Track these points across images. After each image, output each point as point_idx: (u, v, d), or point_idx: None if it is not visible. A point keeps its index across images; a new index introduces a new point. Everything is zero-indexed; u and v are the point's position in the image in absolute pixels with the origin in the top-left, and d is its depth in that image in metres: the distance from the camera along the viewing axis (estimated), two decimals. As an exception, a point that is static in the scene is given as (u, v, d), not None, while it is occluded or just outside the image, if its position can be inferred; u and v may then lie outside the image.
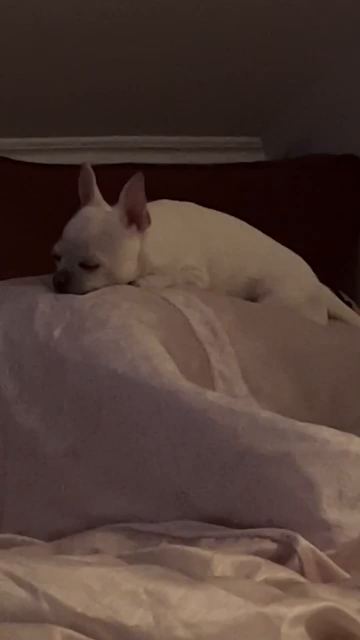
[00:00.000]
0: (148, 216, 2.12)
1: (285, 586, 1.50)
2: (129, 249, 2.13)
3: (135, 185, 2.09)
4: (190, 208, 2.32)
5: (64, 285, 2.07)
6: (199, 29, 2.85)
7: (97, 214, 2.14)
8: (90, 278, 2.09)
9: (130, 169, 2.13)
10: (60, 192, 2.21)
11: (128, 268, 2.13)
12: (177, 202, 2.29)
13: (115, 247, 2.11)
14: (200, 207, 2.33)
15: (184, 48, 2.87)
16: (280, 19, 2.88)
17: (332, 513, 1.66)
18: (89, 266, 2.09)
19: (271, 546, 1.62)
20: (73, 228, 2.13)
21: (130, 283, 2.14)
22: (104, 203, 2.15)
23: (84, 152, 2.74)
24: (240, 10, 2.75)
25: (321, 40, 2.98)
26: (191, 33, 2.84)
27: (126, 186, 2.10)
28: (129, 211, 2.11)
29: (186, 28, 2.82)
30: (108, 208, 2.14)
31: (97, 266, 2.09)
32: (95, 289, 2.07)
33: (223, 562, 1.52)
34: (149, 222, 2.12)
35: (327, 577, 1.60)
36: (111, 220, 2.12)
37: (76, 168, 2.18)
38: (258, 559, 1.57)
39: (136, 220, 2.12)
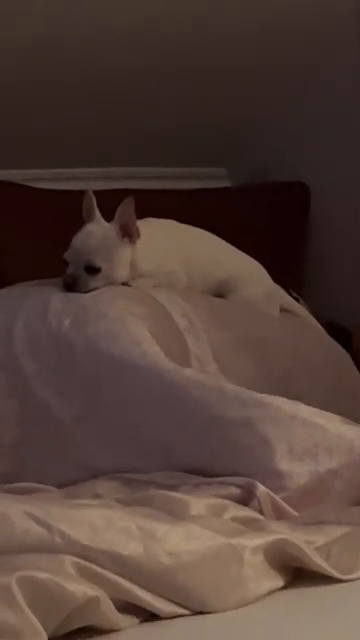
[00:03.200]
0: (138, 231, 2.12)
1: (247, 522, 1.51)
2: (123, 257, 2.13)
3: (127, 206, 2.09)
4: (171, 224, 2.31)
5: (71, 285, 2.06)
6: (172, 87, 2.86)
7: (98, 229, 2.13)
8: (92, 280, 2.08)
9: (123, 194, 2.13)
10: (68, 212, 2.20)
11: (122, 272, 2.13)
12: (161, 220, 2.29)
13: (112, 255, 2.11)
14: (179, 223, 2.32)
15: (161, 101, 2.89)
16: (235, 76, 2.89)
17: (284, 465, 1.67)
18: (92, 270, 2.09)
19: (236, 491, 1.63)
20: (79, 240, 2.13)
21: (124, 284, 2.14)
22: (103, 220, 2.14)
23: (87, 180, 2.73)
24: (202, 64, 2.75)
25: (273, 90, 2.99)
26: (168, 90, 2.85)
27: (120, 207, 2.10)
28: (122, 227, 2.11)
29: (163, 85, 2.84)
30: (106, 224, 2.13)
31: (98, 270, 2.09)
32: (96, 289, 2.07)
33: (198, 504, 1.52)
34: (139, 235, 2.12)
35: (280, 515, 1.60)
36: (108, 234, 2.12)
37: (81, 193, 2.18)
38: (226, 501, 1.58)
39: (128, 234, 2.12)
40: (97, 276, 2.08)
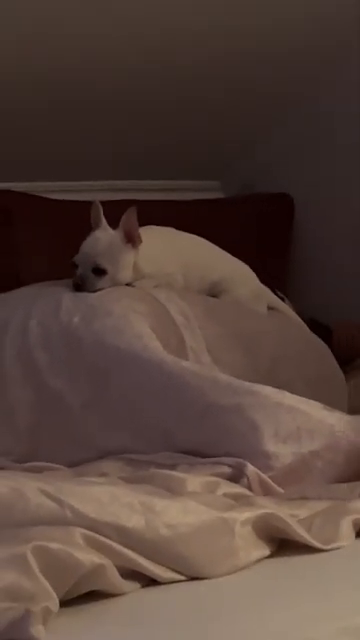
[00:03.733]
0: (140, 237, 2.11)
1: (237, 498, 1.51)
2: (127, 260, 2.12)
3: (130, 215, 2.08)
4: (170, 231, 2.31)
5: (80, 286, 2.06)
6: (171, 110, 2.87)
7: (104, 235, 2.12)
8: (99, 281, 2.08)
9: (127, 204, 2.13)
10: (78, 220, 2.20)
11: (126, 274, 2.12)
12: (161, 227, 2.28)
13: (117, 259, 2.10)
14: (177, 231, 2.32)
15: (162, 122, 2.89)
16: (228, 103, 2.91)
17: (270, 446, 1.67)
18: (99, 272, 2.08)
19: (228, 470, 1.63)
20: (87, 245, 2.12)
21: (128, 284, 2.13)
22: (109, 227, 2.13)
23: (94, 192, 2.71)
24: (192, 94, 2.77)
25: (261, 114, 2.99)
26: (168, 113, 2.86)
27: (124, 216, 2.09)
28: (126, 233, 2.10)
29: (163, 109, 2.85)
30: (111, 231, 2.13)
31: (104, 272, 2.08)
32: (102, 289, 2.07)
33: (194, 482, 1.53)
34: (140, 241, 2.11)
35: (267, 492, 1.61)
36: (114, 240, 2.11)
37: (89, 203, 2.17)
38: (219, 479, 1.58)
39: (131, 240, 2.11)
40: (104, 277, 2.07)
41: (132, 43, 2.61)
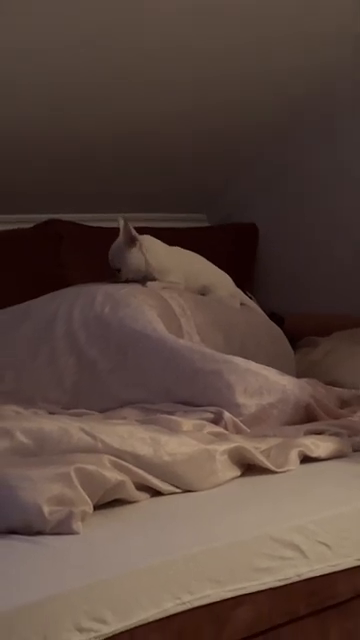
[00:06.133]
0: (135, 237, 2.07)
1: (217, 435, 1.51)
2: (131, 256, 2.07)
3: (124, 225, 2.08)
4: (176, 249, 2.26)
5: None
6: (170, 167, 2.86)
7: (115, 244, 2.10)
8: (120, 275, 2.07)
9: (140, 230, 2.11)
10: (107, 241, 2.18)
11: (134, 264, 2.08)
12: (170, 246, 2.26)
13: (123, 258, 2.08)
14: (181, 248, 2.29)
15: (162, 172, 2.88)
16: (212, 159, 2.90)
17: (241, 399, 1.66)
18: (118, 270, 2.08)
19: (211, 416, 1.62)
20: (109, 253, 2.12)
21: (142, 285, 2.10)
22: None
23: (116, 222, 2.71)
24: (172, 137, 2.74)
25: (235, 167, 2.99)
26: (166, 165, 2.84)
27: (120, 228, 2.08)
28: (125, 238, 2.08)
29: (164, 165, 2.83)
30: (120, 239, 2.09)
31: (119, 270, 2.08)
32: (127, 280, 2.06)
33: (187, 423, 1.52)
34: (137, 239, 2.07)
35: (238, 431, 1.60)
36: (119, 245, 2.08)
37: (114, 229, 2.15)
38: (204, 422, 1.58)
39: (131, 242, 2.07)
40: (121, 273, 2.06)
41: (144, 119, 2.60)
